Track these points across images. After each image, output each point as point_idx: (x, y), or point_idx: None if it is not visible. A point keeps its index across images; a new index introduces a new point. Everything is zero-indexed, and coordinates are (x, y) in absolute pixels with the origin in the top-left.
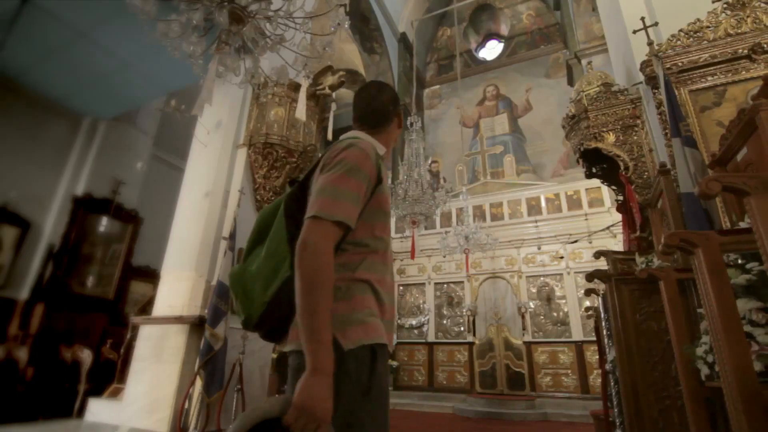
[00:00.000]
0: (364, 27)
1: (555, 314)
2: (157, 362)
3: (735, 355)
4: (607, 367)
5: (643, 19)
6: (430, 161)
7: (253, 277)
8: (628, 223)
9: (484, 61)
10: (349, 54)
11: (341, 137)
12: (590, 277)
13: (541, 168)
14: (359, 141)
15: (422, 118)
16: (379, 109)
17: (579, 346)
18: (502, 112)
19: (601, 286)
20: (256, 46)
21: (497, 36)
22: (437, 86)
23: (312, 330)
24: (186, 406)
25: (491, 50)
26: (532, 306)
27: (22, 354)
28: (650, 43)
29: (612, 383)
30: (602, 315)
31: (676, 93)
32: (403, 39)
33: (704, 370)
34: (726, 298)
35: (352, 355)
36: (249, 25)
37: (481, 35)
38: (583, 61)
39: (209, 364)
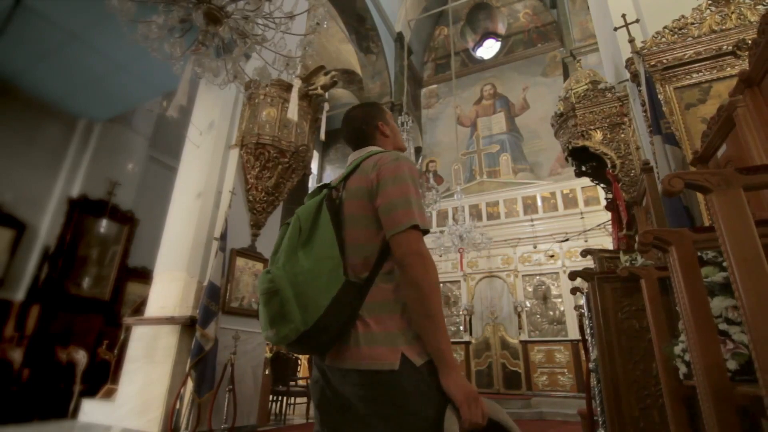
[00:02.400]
0: (360, 27)
1: (551, 313)
2: (149, 363)
3: (706, 353)
4: (591, 365)
5: (624, 16)
6: (421, 161)
7: (308, 276)
8: (617, 221)
9: (481, 60)
10: (346, 54)
11: (366, 152)
12: (573, 275)
13: (537, 166)
14: (399, 153)
15: (419, 117)
16: (357, 129)
17: (575, 345)
18: (499, 111)
19: (586, 285)
20: (236, 46)
21: (494, 35)
22: (434, 85)
23: (440, 331)
24: (177, 406)
25: (488, 49)
26: (529, 305)
27: (18, 355)
28: (631, 41)
29: (595, 382)
30: (585, 313)
31: (661, 90)
32: (399, 38)
33: (682, 369)
34: (698, 296)
35: (425, 368)
36: (226, 25)
37: (478, 34)
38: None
39: (200, 365)
